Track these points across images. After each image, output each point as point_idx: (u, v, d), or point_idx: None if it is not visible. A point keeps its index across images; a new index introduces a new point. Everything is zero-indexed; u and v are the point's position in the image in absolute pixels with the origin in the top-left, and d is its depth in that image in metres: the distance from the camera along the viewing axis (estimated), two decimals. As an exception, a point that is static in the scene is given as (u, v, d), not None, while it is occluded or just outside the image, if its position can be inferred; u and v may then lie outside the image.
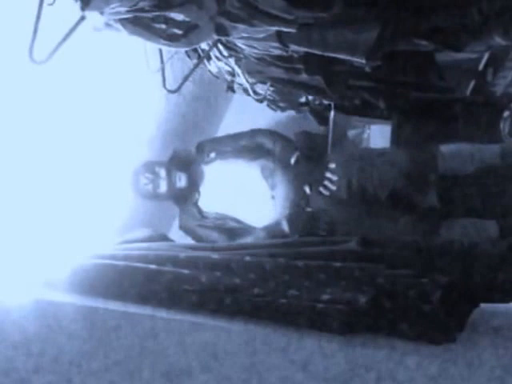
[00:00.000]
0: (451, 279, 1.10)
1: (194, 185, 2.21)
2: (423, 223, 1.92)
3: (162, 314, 1.15)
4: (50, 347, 1.13)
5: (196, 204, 2.22)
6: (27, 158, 1.61)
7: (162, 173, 2.15)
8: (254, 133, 2.28)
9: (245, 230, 2.15)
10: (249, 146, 2.23)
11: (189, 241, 2.16)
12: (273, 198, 2.13)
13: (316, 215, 2.08)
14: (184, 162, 2.22)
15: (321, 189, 2.07)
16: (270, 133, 2.27)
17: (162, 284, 1.26)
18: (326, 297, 1.11)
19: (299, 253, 1.33)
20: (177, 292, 1.23)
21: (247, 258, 1.28)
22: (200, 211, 2.21)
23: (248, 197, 2.15)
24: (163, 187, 2.16)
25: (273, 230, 2.09)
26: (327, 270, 1.18)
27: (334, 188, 2.05)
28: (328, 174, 2.07)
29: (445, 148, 1.97)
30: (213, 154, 2.23)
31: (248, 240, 2.10)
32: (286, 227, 2.08)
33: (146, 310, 1.16)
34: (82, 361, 1.11)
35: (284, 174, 2.13)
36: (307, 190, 2.10)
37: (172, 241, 1.87)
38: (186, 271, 1.28)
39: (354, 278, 1.14)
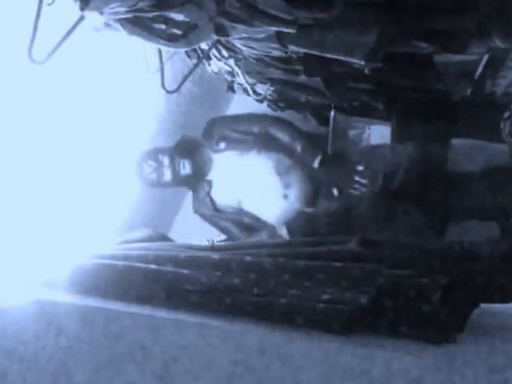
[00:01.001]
0: (451, 279, 1.10)
1: (200, 171, 2.15)
2: (430, 222, 1.90)
3: (162, 313, 1.15)
4: (50, 347, 1.13)
5: (209, 194, 2.17)
6: (27, 159, 1.61)
7: (166, 160, 2.11)
8: (269, 121, 2.18)
9: (259, 227, 2.11)
10: (262, 135, 2.14)
11: (190, 240, 2.15)
12: (285, 197, 2.07)
13: (315, 218, 2.05)
14: (189, 148, 2.17)
15: (351, 191, 2.03)
16: (289, 127, 2.17)
17: (162, 284, 1.26)
18: (326, 297, 1.11)
19: (299, 253, 1.33)
20: (177, 292, 1.23)
21: (247, 258, 1.28)
22: (213, 203, 2.17)
23: (258, 191, 2.09)
24: (167, 175, 2.11)
25: (274, 236, 2.07)
26: (327, 270, 1.19)
27: (364, 190, 2.01)
28: (357, 177, 2.03)
29: (455, 144, 1.96)
30: (222, 144, 2.15)
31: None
32: (285, 233, 2.06)
33: (146, 310, 1.16)
34: (81, 360, 1.11)
35: (302, 174, 2.07)
36: (335, 192, 2.04)
37: (172, 241, 1.87)
38: (186, 271, 1.28)
39: (354, 278, 1.14)
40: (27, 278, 1.33)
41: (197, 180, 2.17)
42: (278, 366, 0.99)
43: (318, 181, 2.08)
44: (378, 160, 2.05)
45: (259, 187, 2.09)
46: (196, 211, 2.22)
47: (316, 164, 2.08)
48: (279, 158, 2.09)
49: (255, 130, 2.16)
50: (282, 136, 2.14)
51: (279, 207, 2.09)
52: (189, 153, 2.15)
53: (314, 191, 2.08)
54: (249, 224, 2.13)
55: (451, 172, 1.95)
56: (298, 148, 2.11)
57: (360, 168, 2.04)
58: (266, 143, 2.12)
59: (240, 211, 2.13)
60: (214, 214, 2.17)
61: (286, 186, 2.07)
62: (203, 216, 2.21)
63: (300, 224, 2.06)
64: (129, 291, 1.27)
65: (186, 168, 2.13)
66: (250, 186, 2.10)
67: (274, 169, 2.08)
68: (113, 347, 1.10)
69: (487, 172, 1.91)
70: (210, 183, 2.17)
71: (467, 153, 1.97)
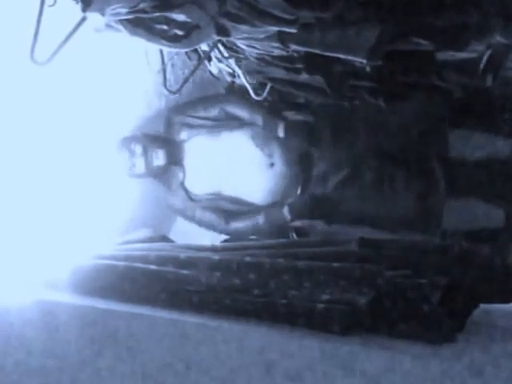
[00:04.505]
0: (451, 280, 1.10)
1: (173, 161, 2.09)
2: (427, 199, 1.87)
3: (163, 314, 1.15)
4: (51, 347, 1.13)
5: (183, 185, 2.10)
6: (28, 159, 1.61)
7: (138, 149, 2.02)
8: (223, 99, 2.13)
9: (242, 211, 2.06)
10: (223, 116, 2.10)
11: (190, 241, 2.13)
12: (272, 165, 2.03)
13: (316, 198, 2.00)
14: (161, 138, 2.10)
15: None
16: (244, 102, 2.09)
17: (163, 284, 1.26)
18: (325, 297, 1.11)
19: (299, 253, 1.33)
20: (177, 292, 1.23)
21: (247, 259, 1.28)
22: (187, 192, 2.10)
23: (240, 168, 2.04)
24: (140, 165, 2.03)
25: (273, 216, 2.01)
26: (327, 270, 1.18)
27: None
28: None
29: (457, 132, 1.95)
30: (184, 133, 2.09)
31: (246, 223, 2.03)
32: (287, 213, 1.99)
33: (146, 310, 1.16)
34: (82, 360, 1.11)
35: (279, 141, 2.03)
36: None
37: (172, 241, 1.87)
38: (186, 272, 1.28)
39: (354, 278, 1.14)
40: (28, 278, 1.34)
41: (170, 169, 2.11)
42: (278, 366, 0.99)
43: (291, 150, 2.02)
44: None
45: (240, 164, 2.03)
46: (170, 206, 2.15)
47: (280, 133, 2.04)
48: (253, 131, 2.04)
49: (215, 112, 2.11)
50: (243, 115, 2.09)
51: (266, 177, 2.03)
52: (163, 142, 2.09)
53: (295, 158, 2.02)
54: (228, 209, 2.07)
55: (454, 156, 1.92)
56: (259, 121, 2.06)
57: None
58: (231, 122, 2.08)
59: (218, 196, 2.08)
60: (188, 206, 2.10)
61: (270, 155, 2.02)
62: (178, 210, 2.14)
63: (301, 205, 2.01)
64: (129, 291, 1.27)
65: (159, 158, 2.05)
66: (229, 165, 2.05)
67: (253, 142, 2.02)
68: (113, 347, 1.10)
69: (490, 160, 1.90)
70: (183, 170, 2.10)
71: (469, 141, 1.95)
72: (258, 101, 2.11)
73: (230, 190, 2.09)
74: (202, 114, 2.13)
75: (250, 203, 2.08)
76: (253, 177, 2.05)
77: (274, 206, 2.05)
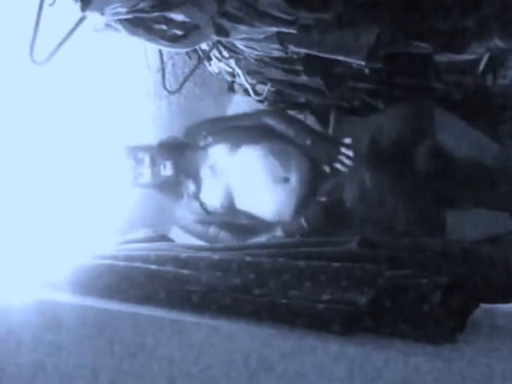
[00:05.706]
0: (451, 279, 1.10)
1: (182, 173, 2.07)
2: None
3: (162, 313, 1.15)
4: (51, 347, 1.13)
5: (197, 197, 2.08)
6: (28, 159, 1.61)
7: (146, 159, 2.00)
8: (261, 113, 2.15)
9: (258, 227, 2.04)
10: (253, 126, 2.10)
11: (188, 240, 2.12)
12: (286, 180, 2.02)
13: (330, 206, 2.00)
14: (171, 148, 2.07)
15: (337, 165, 1.98)
16: (280, 115, 2.13)
17: (163, 284, 1.26)
18: (326, 297, 1.11)
19: (299, 253, 1.33)
20: (177, 292, 1.23)
21: (247, 259, 1.28)
22: (202, 205, 2.08)
23: (255, 181, 2.02)
24: (146, 175, 2.00)
25: (291, 229, 2.01)
26: (328, 270, 1.18)
27: (350, 163, 1.97)
28: (343, 150, 1.99)
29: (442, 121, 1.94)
30: (210, 138, 2.07)
31: (263, 240, 2.00)
32: (304, 224, 1.98)
33: (146, 310, 1.16)
34: (82, 361, 1.11)
35: (300, 156, 2.03)
36: (327, 169, 2.01)
37: (172, 241, 1.87)
38: (186, 272, 1.28)
39: (355, 278, 1.14)
40: (28, 277, 1.33)
41: (179, 182, 2.08)
42: (278, 366, 0.99)
43: (314, 159, 2.03)
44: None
45: (255, 176, 2.02)
46: (179, 224, 2.12)
47: (308, 142, 2.03)
48: (276, 145, 2.04)
49: (246, 123, 2.11)
50: (277, 126, 2.09)
51: (280, 192, 2.03)
52: (171, 153, 2.06)
53: (316, 170, 2.03)
54: (245, 225, 2.06)
55: (457, 157, 1.92)
56: (292, 133, 2.07)
57: (347, 141, 2.00)
58: (258, 133, 2.07)
59: (234, 211, 2.06)
60: (201, 219, 2.08)
61: (286, 169, 2.02)
62: (185, 227, 2.12)
63: (317, 213, 1.99)
64: (129, 291, 1.27)
65: (166, 169, 2.02)
66: (244, 178, 2.04)
67: (271, 155, 2.02)
68: (113, 347, 1.10)
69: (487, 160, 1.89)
70: (198, 183, 2.07)
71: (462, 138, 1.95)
72: (289, 115, 2.12)
73: (243, 204, 2.07)
74: (233, 124, 2.11)
75: (264, 219, 2.06)
76: (266, 191, 2.04)
77: (287, 222, 2.04)
